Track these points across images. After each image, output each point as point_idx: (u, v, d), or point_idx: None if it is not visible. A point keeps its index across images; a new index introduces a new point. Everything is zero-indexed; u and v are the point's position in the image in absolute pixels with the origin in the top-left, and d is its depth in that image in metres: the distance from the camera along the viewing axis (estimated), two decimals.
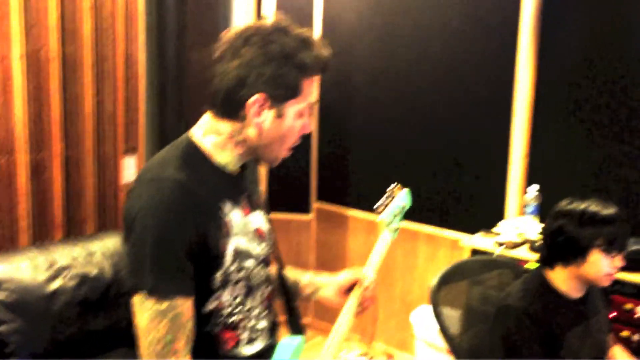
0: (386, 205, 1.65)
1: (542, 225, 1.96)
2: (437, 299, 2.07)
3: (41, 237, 2.77)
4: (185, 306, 1.14)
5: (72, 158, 2.82)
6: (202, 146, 1.26)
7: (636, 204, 2.62)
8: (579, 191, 2.64)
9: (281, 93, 1.22)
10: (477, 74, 3.10)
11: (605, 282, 1.85)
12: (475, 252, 2.72)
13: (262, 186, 3.84)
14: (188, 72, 3.76)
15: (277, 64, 1.19)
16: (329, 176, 3.82)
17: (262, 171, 3.82)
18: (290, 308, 1.44)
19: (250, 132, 1.24)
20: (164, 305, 1.11)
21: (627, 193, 2.65)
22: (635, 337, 2.25)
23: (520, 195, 2.96)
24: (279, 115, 1.23)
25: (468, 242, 2.78)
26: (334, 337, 1.37)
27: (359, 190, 3.64)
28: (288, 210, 3.89)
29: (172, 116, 3.68)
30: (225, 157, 1.27)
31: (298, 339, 1.35)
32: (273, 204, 3.85)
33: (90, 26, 2.79)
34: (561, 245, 1.83)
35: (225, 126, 1.25)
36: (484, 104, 3.10)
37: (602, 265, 1.80)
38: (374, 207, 1.64)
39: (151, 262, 1.11)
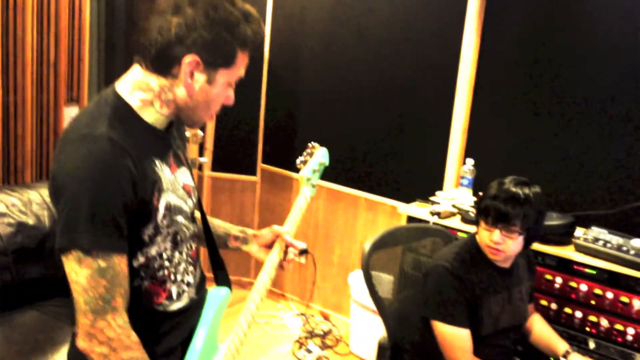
0: (305, 162, 1.70)
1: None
2: (368, 263, 2.14)
3: None
4: (122, 264, 1.15)
5: (11, 105, 2.76)
6: (129, 103, 1.23)
7: (559, 182, 2.77)
8: (510, 167, 2.79)
9: (216, 60, 1.21)
10: (424, 48, 3.16)
11: (489, 254, 1.97)
12: (411, 219, 2.81)
13: (210, 146, 3.83)
14: (137, 22, 3.68)
15: (218, 31, 1.19)
16: (276, 140, 3.84)
17: (210, 132, 3.82)
18: (216, 260, 1.48)
19: (179, 92, 1.23)
20: (103, 263, 1.11)
21: (553, 172, 2.79)
22: (553, 306, 2.40)
23: (457, 168, 3.07)
24: (210, 81, 1.23)
25: (404, 210, 2.88)
26: (257, 289, 1.42)
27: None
28: (234, 171, 3.92)
29: (119, 69, 3.61)
30: (152, 115, 1.25)
31: (225, 290, 1.40)
32: (220, 164, 3.91)
33: None
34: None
35: (155, 82, 1.23)
36: (428, 78, 3.17)
37: (484, 235, 1.95)
38: (296, 162, 1.69)
39: (87, 221, 1.09)
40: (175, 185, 1.29)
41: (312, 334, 3.49)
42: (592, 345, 2.31)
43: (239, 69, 1.27)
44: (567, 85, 2.75)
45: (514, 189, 1.89)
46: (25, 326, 2.34)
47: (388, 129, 3.35)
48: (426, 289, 1.98)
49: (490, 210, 1.90)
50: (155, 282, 1.28)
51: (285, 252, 1.53)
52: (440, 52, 3.11)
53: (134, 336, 1.17)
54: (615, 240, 2.32)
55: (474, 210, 2.66)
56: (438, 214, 2.74)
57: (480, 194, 2.01)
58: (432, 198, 2.92)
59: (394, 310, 2.23)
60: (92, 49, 3.30)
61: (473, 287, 1.91)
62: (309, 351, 3.29)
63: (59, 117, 2.94)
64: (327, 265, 3.72)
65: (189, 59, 1.19)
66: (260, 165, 3.90)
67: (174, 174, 1.30)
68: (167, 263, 1.30)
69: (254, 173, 3.92)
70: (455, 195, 2.92)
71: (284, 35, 3.71)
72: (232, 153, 3.90)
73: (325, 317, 3.72)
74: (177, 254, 1.32)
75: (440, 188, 3.12)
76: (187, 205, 1.33)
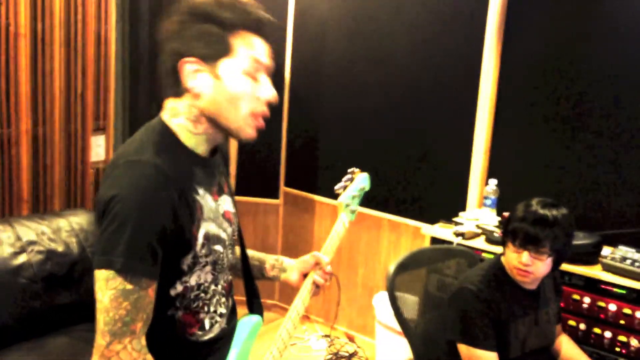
0: (345, 188, 1.68)
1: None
2: (393, 285, 2.15)
3: (8, 213, 2.77)
4: (149, 290, 1.15)
5: (40, 135, 2.83)
6: (172, 129, 1.26)
7: (585, 201, 2.74)
8: (534, 187, 2.78)
9: (209, 52, 1.20)
10: (444, 69, 3.18)
11: (517, 276, 1.95)
12: (434, 240, 2.81)
13: (233, 170, 3.88)
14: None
15: (197, 25, 1.20)
16: (298, 163, 3.87)
17: (233, 156, 3.86)
18: (250, 288, 1.48)
19: (200, 103, 1.23)
20: (129, 286, 1.11)
21: (578, 191, 2.77)
22: (582, 326, 2.37)
23: (480, 188, 3.06)
24: (216, 76, 1.22)
25: (428, 231, 2.87)
26: (290, 317, 1.44)
27: (326, 177, 3.71)
28: (257, 194, 3.95)
29: (143, 97, 3.70)
30: (191, 139, 1.26)
31: (256, 317, 1.41)
32: (243, 188, 3.95)
33: (61, 3, 2.79)
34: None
35: (180, 105, 1.25)
36: (449, 99, 3.18)
37: (511, 257, 1.92)
38: (335, 188, 1.68)
39: (126, 244, 1.11)
40: (216, 213, 1.30)
41: (337, 356, 3.47)
42: None
43: (244, 53, 1.23)
44: (591, 103, 2.74)
45: (542, 211, 1.88)
46: (56, 351, 2.37)
47: (410, 150, 3.36)
48: (451, 312, 1.97)
49: (519, 233, 1.88)
50: (189, 313, 1.28)
51: (314, 282, 1.54)
52: (460, 72, 3.12)
53: None
54: None
55: (498, 230, 2.65)
56: (462, 235, 2.73)
57: (506, 214, 2.01)
58: (455, 219, 2.92)
59: (420, 332, 2.22)
60: (117, 79, 3.38)
61: (499, 309, 1.90)
62: None
63: (86, 146, 3.01)
64: (351, 286, 3.71)
65: (183, 62, 1.21)
66: (282, 188, 3.93)
67: (216, 202, 1.30)
68: (203, 294, 1.30)
69: (276, 196, 3.95)
70: (478, 215, 2.91)
71: (305, 58, 3.76)
72: (255, 177, 3.94)
73: (351, 339, 3.71)
74: (213, 286, 1.33)
75: (463, 209, 3.11)
76: (226, 233, 1.33)
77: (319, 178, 3.75)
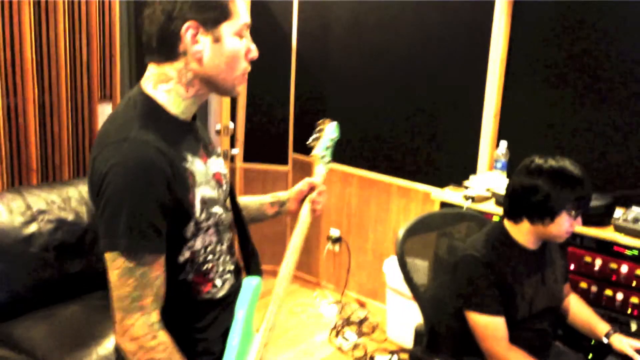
0: (317, 139, 1.70)
1: (512, 179, 1.97)
2: (402, 249, 2.14)
3: (17, 182, 2.78)
4: (154, 264, 1.17)
5: (47, 103, 2.82)
6: (156, 99, 1.25)
7: (597, 162, 2.70)
8: (545, 149, 2.73)
9: (211, 16, 1.21)
10: (455, 31, 3.12)
11: (563, 239, 1.92)
12: (444, 204, 2.79)
13: (241, 137, 3.86)
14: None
15: None
16: (306, 128, 3.83)
17: (240, 123, 3.84)
18: (248, 248, 1.49)
19: (196, 66, 1.23)
20: (132, 264, 1.13)
21: (589, 152, 2.73)
22: (593, 289, 2.36)
23: (491, 151, 3.03)
24: (216, 40, 1.22)
25: (438, 195, 2.85)
26: (281, 277, 1.45)
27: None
28: (266, 161, 3.94)
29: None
30: (180, 104, 1.26)
31: (256, 279, 1.41)
32: (251, 155, 3.94)
33: None
34: (533, 204, 1.86)
35: (170, 70, 1.24)
36: (459, 62, 3.12)
37: (565, 225, 1.85)
38: (307, 142, 1.71)
39: (124, 223, 1.12)
40: (207, 177, 1.31)
41: (348, 322, 3.50)
42: (634, 327, 2.26)
43: (238, 16, 1.25)
44: (603, 63, 2.67)
45: (582, 172, 1.84)
46: (69, 320, 2.40)
47: (419, 114, 3.32)
48: (457, 279, 1.95)
49: (583, 200, 1.83)
50: (200, 275, 1.31)
51: (313, 202, 1.62)
52: (471, 34, 3.06)
53: (161, 337, 1.18)
54: None
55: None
56: (472, 199, 2.71)
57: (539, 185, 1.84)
58: (465, 182, 2.89)
59: (430, 297, 2.22)
60: (123, 47, 3.35)
61: (504, 273, 1.88)
62: (345, 339, 3.30)
63: (93, 115, 3.00)
64: (362, 252, 3.72)
65: (186, 27, 1.20)
66: (291, 154, 3.92)
67: (205, 165, 1.32)
68: (210, 256, 1.33)
69: (285, 162, 3.94)
70: (489, 178, 2.88)
71: (312, 24, 3.70)
72: (264, 143, 3.92)
73: (361, 305, 3.73)
74: (218, 246, 1.36)
75: (473, 172, 3.08)
76: (219, 194, 1.35)
77: None
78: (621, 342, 1.96)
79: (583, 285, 2.39)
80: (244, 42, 1.28)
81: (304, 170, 3.89)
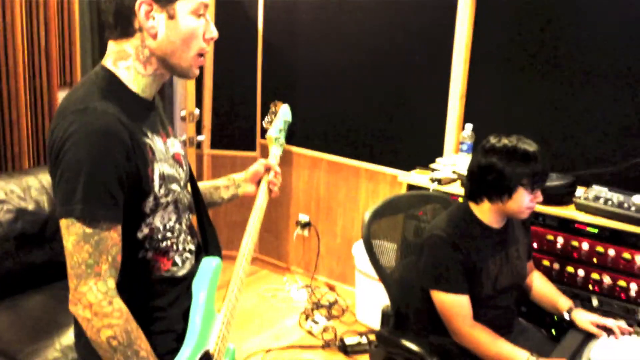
0: (271, 122, 1.71)
1: (470, 160, 2.01)
2: (368, 231, 2.14)
3: None
4: (110, 232, 1.17)
5: (4, 90, 2.74)
6: (117, 74, 1.26)
7: (560, 143, 2.74)
8: (509, 130, 2.75)
9: None
10: (419, 14, 3.12)
11: (525, 215, 1.95)
12: (411, 187, 2.80)
13: (208, 123, 3.82)
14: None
15: None
16: None
17: (207, 110, 3.80)
18: (206, 229, 1.49)
19: (151, 43, 1.24)
20: (89, 230, 1.13)
21: (552, 133, 2.76)
22: (556, 266, 2.40)
23: (457, 134, 3.05)
24: (170, 17, 1.23)
25: (404, 178, 2.86)
26: (241, 256, 1.46)
27: (303, 129, 3.67)
28: (233, 147, 3.91)
29: None
30: (139, 81, 1.27)
31: (216, 259, 1.41)
32: (219, 141, 3.90)
33: None
34: (489, 182, 1.89)
35: (127, 46, 1.25)
36: (424, 44, 3.13)
37: (525, 201, 1.89)
38: (263, 123, 1.72)
39: (82, 189, 1.13)
40: (167, 155, 1.32)
41: (318, 305, 3.51)
42: (595, 302, 2.31)
43: None
44: (565, 44, 2.71)
45: (536, 148, 1.88)
46: (30, 310, 2.36)
47: (386, 98, 3.32)
48: (423, 259, 1.97)
49: (537, 176, 1.86)
50: (159, 253, 1.31)
51: (270, 190, 1.64)
52: (435, 17, 3.06)
53: (116, 304, 1.17)
54: (616, 197, 2.31)
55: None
56: (439, 181, 2.72)
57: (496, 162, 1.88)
58: (432, 165, 2.91)
59: (396, 278, 2.23)
60: (85, 32, 3.27)
61: (469, 252, 1.90)
62: (315, 322, 3.31)
63: (53, 102, 2.93)
64: (331, 236, 3.72)
65: (139, 2, 1.21)
66: (259, 140, 3.89)
67: (165, 144, 1.32)
68: (169, 234, 1.33)
69: (253, 149, 3.91)
70: (455, 161, 2.90)
71: (278, 9, 3.66)
72: (231, 130, 3.89)
73: (331, 288, 3.74)
74: (177, 225, 1.36)
75: (440, 155, 3.10)
76: (179, 173, 1.36)
77: (296, 129, 3.71)
78: (582, 318, 1.99)
79: (546, 262, 2.43)
80: (201, 22, 1.27)
81: None
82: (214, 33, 1.30)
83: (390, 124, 3.32)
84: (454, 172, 2.79)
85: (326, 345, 3.15)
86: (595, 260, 2.31)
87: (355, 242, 3.44)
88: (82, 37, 3.08)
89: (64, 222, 1.15)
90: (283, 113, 1.74)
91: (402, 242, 2.37)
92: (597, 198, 2.32)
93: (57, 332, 2.22)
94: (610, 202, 2.28)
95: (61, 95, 2.97)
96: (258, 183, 1.66)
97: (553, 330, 2.32)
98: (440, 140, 3.12)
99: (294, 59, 3.66)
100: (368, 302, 3.30)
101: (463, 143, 2.93)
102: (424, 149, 3.16)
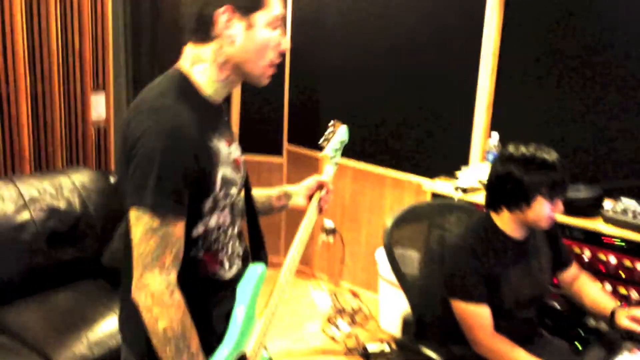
0: (328, 141, 1.73)
1: (490, 170, 1.99)
2: (390, 237, 2.14)
3: (10, 171, 2.79)
4: (177, 227, 1.22)
5: (40, 93, 2.83)
6: (192, 78, 1.32)
7: (588, 154, 2.71)
8: (536, 140, 2.73)
9: (246, 4, 1.28)
10: (446, 21, 3.12)
11: (546, 225, 1.93)
12: (435, 196, 2.80)
13: (236, 128, 3.87)
14: (162, 11, 3.72)
15: None
16: (300, 120, 3.85)
17: (235, 113, 3.84)
18: (256, 237, 1.53)
19: (229, 50, 1.30)
20: (157, 222, 1.18)
21: (580, 143, 2.73)
22: None
23: (483, 142, 3.03)
24: (249, 26, 1.29)
25: (429, 186, 2.86)
26: (286, 268, 1.48)
27: None
28: (260, 152, 3.94)
29: (145, 55, 3.67)
30: (212, 86, 1.33)
31: (262, 266, 1.44)
32: (246, 146, 3.90)
33: None
34: (507, 191, 1.89)
35: (205, 51, 1.31)
36: (452, 53, 3.12)
37: (544, 210, 1.87)
38: (319, 142, 1.73)
39: (154, 183, 1.18)
40: (229, 159, 1.36)
41: (341, 312, 3.52)
42: None
43: (272, 7, 1.33)
44: (594, 55, 2.68)
45: (555, 157, 1.86)
46: (60, 306, 2.42)
47: (413, 106, 3.32)
48: (444, 268, 1.97)
49: (556, 184, 1.84)
50: (209, 253, 1.35)
51: (321, 199, 1.67)
52: (463, 25, 3.06)
53: (177, 296, 1.22)
54: None
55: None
56: (464, 190, 2.71)
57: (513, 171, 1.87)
58: (457, 173, 2.90)
59: (418, 286, 2.23)
60: (118, 36, 3.35)
61: (490, 262, 1.89)
62: (338, 328, 3.32)
63: (86, 104, 3.01)
64: (355, 243, 3.73)
65: (221, 11, 1.27)
66: (286, 145, 3.92)
67: (228, 149, 1.37)
68: (222, 236, 1.37)
69: (280, 153, 3.94)
70: (480, 169, 2.88)
71: (306, 12, 3.70)
72: (258, 134, 3.93)
73: (355, 295, 3.75)
74: (230, 228, 1.40)
75: (466, 163, 3.09)
76: (238, 178, 1.40)
77: (322, 134, 3.73)
78: (621, 318, 1.91)
79: None
80: (275, 34, 1.34)
81: (299, 161, 3.89)
82: (285, 45, 1.37)
83: (417, 132, 3.32)
84: (479, 181, 2.78)
85: (348, 351, 3.15)
86: (622, 274, 2.27)
87: (380, 249, 3.44)
88: (115, 41, 3.15)
89: (133, 213, 1.20)
90: (341, 133, 1.77)
91: (425, 251, 2.36)
92: (625, 212, 2.29)
93: (85, 327, 2.28)
94: (639, 216, 2.25)
95: (94, 98, 3.05)
96: (309, 198, 1.67)
97: (578, 344, 2.28)
98: (466, 149, 3.11)
99: (321, 64, 3.69)
100: (391, 309, 3.29)
101: (489, 152, 2.91)
102: (450, 157, 3.15)
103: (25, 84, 2.74)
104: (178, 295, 1.22)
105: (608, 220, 2.33)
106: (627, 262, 2.26)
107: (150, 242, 1.19)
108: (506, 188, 1.89)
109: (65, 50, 2.88)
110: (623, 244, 2.26)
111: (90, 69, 2.99)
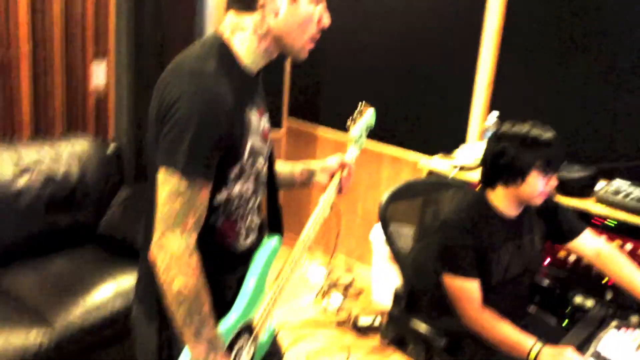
0: (355, 122, 1.73)
1: (485, 147, 2.01)
2: (385, 211, 2.18)
3: (9, 136, 2.80)
4: (203, 190, 1.23)
5: (40, 58, 2.82)
6: (231, 45, 1.32)
7: (584, 134, 2.72)
8: (536, 119, 2.74)
9: None
10: (449, 1, 3.11)
11: (540, 201, 1.95)
12: (432, 173, 2.82)
13: None
14: None
15: None
16: (301, 94, 3.85)
17: None
18: (274, 207, 1.55)
19: (271, 21, 1.30)
20: (185, 184, 1.20)
21: (577, 124, 2.74)
22: (572, 258, 2.39)
23: (482, 121, 3.04)
24: (294, 0, 1.30)
25: (425, 164, 2.88)
26: (300, 243, 1.51)
27: (329, 109, 3.69)
28: None
29: (149, 22, 3.63)
30: (251, 56, 1.33)
31: (276, 240, 1.47)
32: None
33: None
34: (502, 166, 1.91)
35: (247, 20, 1.31)
36: (453, 31, 3.12)
37: (538, 185, 1.89)
38: (346, 123, 1.72)
39: (188, 143, 1.19)
40: (259, 129, 1.37)
41: (335, 285, 3.56)
42: (609, 295, 2.31)
43: None
44: (593, 36, 2.67)
45: (551, 134, 1.88)
46: (57, 271, 2.45)
47: (412, 82, 3.33)
48: (436, 242, 2.00)
49: (552, 159, 1.87)
50: (229, 221, 1.36)
51: (341, 179, 1.66)
52: (465, 3, 3.04)
53: (195, 259, 1.24)
54: (637, 192, 2.29)
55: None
56: (460, 167, 2.74)
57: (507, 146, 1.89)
58: (455, 152, 2.91)
59: (411, 260, 2.26)
60: (120, 3, 3.33)
61: (482, 239, 1.92)
62: (331, 301, 3.37)
63: (86, 71, 3.01)
64: (351, 216, 3.76)
65: None
66: (286, 119, 3.93)
67: (260, 119, 1.38)
68: (243, 206, 1.38)
69: (279, 126, 3.94)
70: (478, 148, 2.90)
71: None
72: None
73: (349, 269, 3.79)
74: (253, 198, 1.41)
75: (464, 141, 3.10)
76: (265, 149, 1.41)
77: (322, 109, 3.74)
78: None
79: (562, 253, 2.43)
80: (318, 9, 1.35)
81: (299, 136, 3.90)
82: (327, 21, 1.38)
83: (415, 109, 3.33)
84: (476, 159, 2.80)
85: (340, 323, 3.20)
86: None
87: (375, 225, 3.48)
88: (118, 8, 3.13)
89: (162, 173, 1.22)
90: (368, 117, 1.77)
91: (419, 226, 2.39)
92: (617, 192, 2.31)
93: (81, 292, 2.31)
94: (630, 197, 2.27)
95: (95, 65, 3.05)
96: (331, 177, 1.67)
97: (566, 321, 2.33)
98: (464, 127, 3.12)
99: (322, 38, 3.66)
100: (384, 283, 3.33)
101: (487, 131, 2.92)
102: (449, 135, 3.17)
103: (26, 48, 2.74)
104: (196, 258, 1.24)
105: (600, 200, 2.35)
106: (618, 242, 2.29)
107: (176, 204, 1.20)
108: (501, 164, 1.91)
109: (67, 16, 2.87)
110: (613, 222, 2.29)
111: (91, 35, 2.98)
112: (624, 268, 1.98)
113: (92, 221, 2.70)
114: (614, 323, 1.92)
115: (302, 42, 1.35)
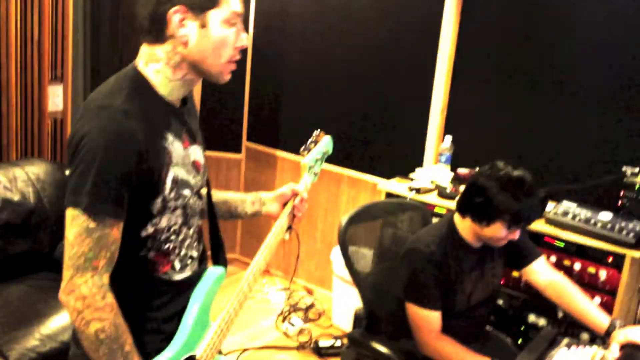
0: (309, 150, 1.73)
1: (474, 175, 2.01)
2: (344, 235, 2.20)
3: None
4: (113, 229, 1.19)
5: None
6: (147, 76, 1.29)
7: (533, 157, 2.84)
8: (486, 144, 2.85)
9: (200, 3, 1.26)
10: (404, 25, 3.21)
11: (499, 245, 1.99)
12: (389, 195, 2.88)
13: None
14: (123, 3, 3.69)
15: None
16: (260, 118, 3.89)
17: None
18: (216, 239, 1.52)
19: (182, 50, 1.28)
20: (92, 224, 1.16)
21: (529, 147, 2.86)
22: (524, 278, 2.48)
23: (437, 145, 3.13)
24: (203, 25, 1.27)
25: (384, 186, 2.94)
26: (250, 273, 1.49)
27: (287, 133, 3.74)
28: (219, 149, 3.96)
29: (105, 47, 3.63)
30: (167, 85, 1.31)
31: (220, 269, 1.44)
32: (205, 142, 3.93)
33: None
34: (475, 204, 1.93)
35: (159, 51, 1.29)
36: (410, 57, 3.22)
37: (500, 234, 1.92)
38: (300, 150, 1.73)
39: (91, 183, 1.16)
40: (185, 160, 1.34)
41: (295, 308, 3.57)
42: (560, 314, 2.40)
43: (228, 4, 1.30)
44: (540, 64, 2.81)
45: (533, 188, 1.87)
46: (12, 299, 2.39)
47: (369, 107, 3.40)
48: (402, 270, 2.01)
49: (522, 217, 1.86)
50: (160, 254, 1.33)
51: (293, 215, 1.66)
52: (420, 30, 3.15)
53: (109, 298, 1.20)
54: (584, 213, 2.40)
55: (451, 186, 2.74)
56: (417, 190, 2.80)
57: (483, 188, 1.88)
58: (411, 175, 2.99)
59: (370, 283, 2.30)
60: (77, 28, 3.32)
61: (449, 270, 1.95)
62: (292, 324, 3.37)
63: (43, 96, 2.97)
64: (311, 241, 3.79)
65: (173, 10, 1.25)
66: (245, 143, 3.95)
67: (185, 150, 1.34)
68: (173, 237, 1.34)
69: (239, 151, 3.97)
70: (433, 171, 2.98)
71: (269, 15, 3.74)
72: (217, 131, 3.94)
73: (309, 292, 3.80)
74: (184, 229, 1.38)
75: (420, 165, 3.19)
76: (195, 180, 1.38)
77: (281, 133, 3.78)
78: (624, 336, 1.85)
79: (515, 274, 2.51)
80: (233, 31, 1.31)
81: (258, 159, 3.93)
82: (244, 42, 1.34)
83: (373, 133, 3.41)
84: (432, 182, 2.88)
85: (301, 347, 3.21)
86: (562, 273, 2.39)
87: (335, 247, 3.51)
88: (75, 33, 3.12)
89: (69, 213, 1.18)
90: (324, 144, 1.76)
91: (377, 248, 2.43)
92: (565, 213, 2.41)
93: (37, 321, 2.26)
94: (577, 218, 2.38)
95: (51, 89, 3.02)
96: (283, 206, 1.66)
97: (520, 340, 2.40)
98: (420, 151, 3.21)
99: (283, 63, 3.73)
100: (344, 306, 3.36)
101: (442, 154, 3.01)
102: (405, 159, 3.25)
103: None
104: (110, 297, 1.20)
105: (550, 221, 2.45)
106: (567, 262, 2.38)
107: (84, 244, 1.17)
108: (475, 201, 1.92)
109: (24, 39, 2.84)
110: (562, 244, 2.39)
111: (48, 59, 2.96)
112: (574, 298, 2.04)
113: (49, 247, 2.65)
114: (565, 340, 1.98)
115: (220, 66, 1.32)
